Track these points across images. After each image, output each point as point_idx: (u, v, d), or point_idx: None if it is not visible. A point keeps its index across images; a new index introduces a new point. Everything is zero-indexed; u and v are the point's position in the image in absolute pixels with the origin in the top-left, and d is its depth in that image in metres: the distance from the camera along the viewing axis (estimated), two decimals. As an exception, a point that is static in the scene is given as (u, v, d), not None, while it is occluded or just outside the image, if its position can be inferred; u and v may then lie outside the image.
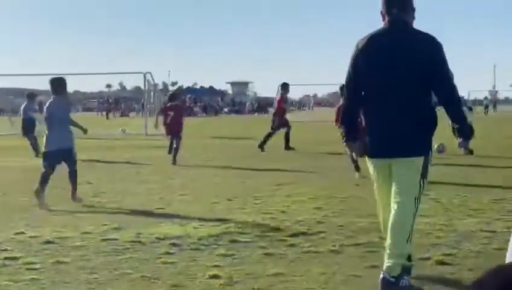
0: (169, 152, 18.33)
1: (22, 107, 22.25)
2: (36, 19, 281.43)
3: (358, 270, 6.50)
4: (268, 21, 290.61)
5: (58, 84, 11.58)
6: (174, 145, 17.97)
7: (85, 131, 12.40)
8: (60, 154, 11.21)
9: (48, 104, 11.60)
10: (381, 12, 6.10)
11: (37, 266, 6.69)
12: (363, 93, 6.14)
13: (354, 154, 10.94)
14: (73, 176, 11.26)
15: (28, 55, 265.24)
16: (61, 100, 11.59)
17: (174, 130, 18.28)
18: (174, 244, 7.67)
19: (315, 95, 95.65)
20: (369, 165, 6.30)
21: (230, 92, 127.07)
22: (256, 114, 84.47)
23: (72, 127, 11.60)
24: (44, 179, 10.94)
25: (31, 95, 22.67)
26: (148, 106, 41.88)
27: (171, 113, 18.72)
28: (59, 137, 11.23)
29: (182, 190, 12.46)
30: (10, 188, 12.72)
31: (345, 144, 6.47)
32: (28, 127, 21.14)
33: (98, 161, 18.87)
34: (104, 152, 21.75)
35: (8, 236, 8.15)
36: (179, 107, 21.02)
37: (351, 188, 12.45)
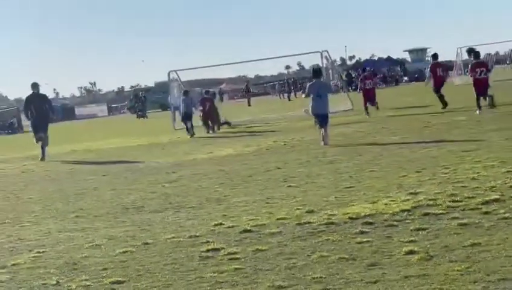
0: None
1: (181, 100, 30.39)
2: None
3: (559, 234, 6.30)
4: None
5: (319, 72, 19.44)
6: None
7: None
8: (319, 117, 17.82)
9: (319, 84, 18.42)
10: None
11: (238, 255, 6.87)
12: None
13: None
14: (326, 128, 17.59)
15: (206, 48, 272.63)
16: (322, 82, 19.55)
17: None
18: (367, 223, 7.70)
19: (496, 53, 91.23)
20: None
21: (409, 59, 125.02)
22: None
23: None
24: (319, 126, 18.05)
25: (186, 92, 31.00)
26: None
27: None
28: (319, 106, 17.83)
29: (369, 166, 12.48)
30: (204, 180, 13.09)
31: None
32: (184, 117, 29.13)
33: (284, 144, 19.19)
34: (287, 135, 22.05)
35: (208, 228, 8.42)
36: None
37: (544, 147, 12.01)
